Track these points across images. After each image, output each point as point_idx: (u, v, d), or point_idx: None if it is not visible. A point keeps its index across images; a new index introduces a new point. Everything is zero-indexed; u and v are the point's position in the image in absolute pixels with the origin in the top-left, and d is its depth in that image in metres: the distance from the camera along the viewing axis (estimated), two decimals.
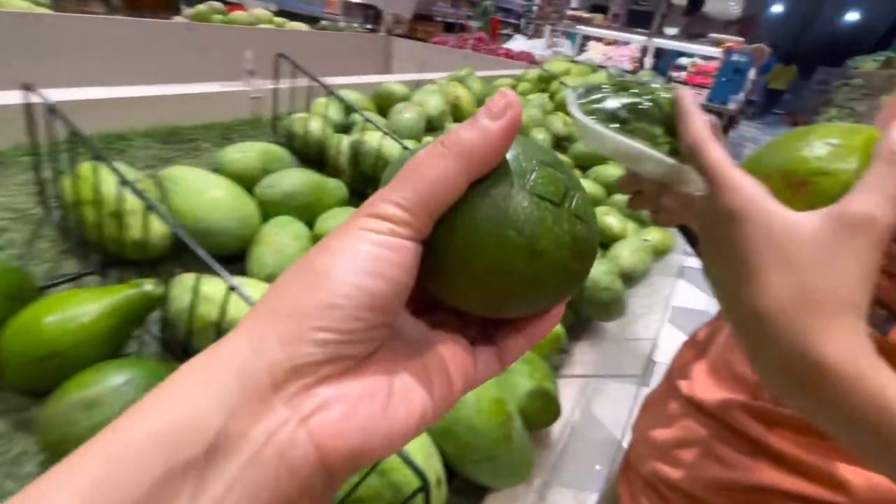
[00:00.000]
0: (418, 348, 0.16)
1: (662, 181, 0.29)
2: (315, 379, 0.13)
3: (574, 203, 0.16)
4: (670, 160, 0.27)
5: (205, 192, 0.52)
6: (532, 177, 0.15)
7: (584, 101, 0.29)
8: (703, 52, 4.26)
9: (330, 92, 0.69)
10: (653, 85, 0.29)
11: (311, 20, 2.83)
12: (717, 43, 4.15)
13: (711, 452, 0.37)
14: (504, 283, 0.15)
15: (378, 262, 0.13)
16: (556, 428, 0.55)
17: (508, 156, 0.16)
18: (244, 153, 0.61)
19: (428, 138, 0.85)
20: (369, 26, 3.56)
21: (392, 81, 0.91)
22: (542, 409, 0.50)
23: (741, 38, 4.50)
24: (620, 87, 0.30)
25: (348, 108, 0.78)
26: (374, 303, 0.13)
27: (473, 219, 0.15)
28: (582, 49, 4.71)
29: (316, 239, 0.57)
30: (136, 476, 0.11)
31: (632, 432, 0.49)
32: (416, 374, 0.15)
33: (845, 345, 0.18)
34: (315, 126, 0.74)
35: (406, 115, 0.82)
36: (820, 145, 0.21)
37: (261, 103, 0.83)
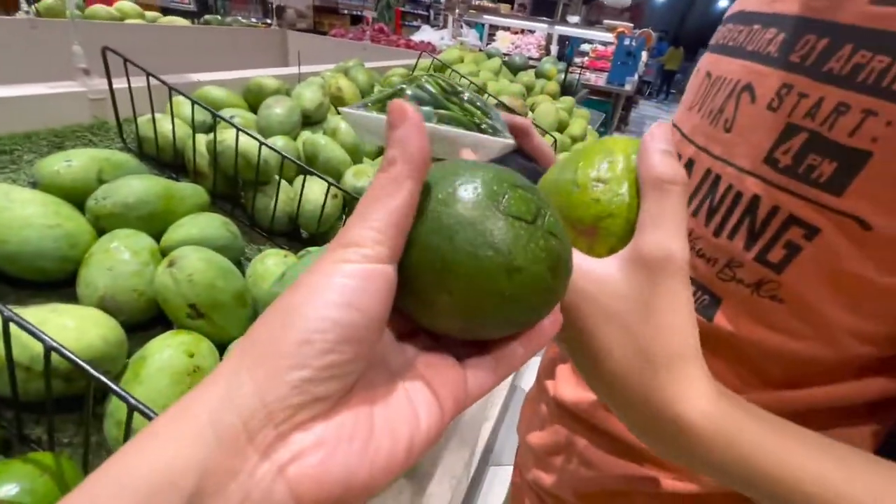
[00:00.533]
0: (401, 375, 0.16)
1: (457, 156, 0.29)
2: (290, 425, 0.12)
3: (546, 220, 0.17)
4: (456, 130, 0.27)
5: (8, 210, 0.45)
6: (505, 199, 0.16)
7: (364, 105, 0.30)
8: (601, 38, 4.54)
9: (172, 89, 0.63)
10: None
11: (197, 15, 2.61)
12: (610, 29, 4.44)
13: (579, 455, 0.37)
14: (483, 302, 0.15)
15: (351, 293, 0.13)
16: None
17: (482, 181, 0.16)
18: (69, 163, 0.54)
19: (306, 133, 0.80)
20: (268, 21, 3.36)
21: (263, 76, 0.86)
22: None
23: (631, 24, 4.86)
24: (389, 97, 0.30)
25: (206, 109, 0.72)
26: (349, 335, 0.13)
27: (451, 241, 0.15)
28: (491, 39, 4.81)
29: (164, 251, 0.52)
30: None
31: (517, 435, 0.49)
32: (398, 404, 0.15)
33: (696, 399, 0.18)
34: (168, 127, 0.67)
35: (276, 109, 0.77)
36: (591, 185, 0.21)
37: (105, 105, 0.73)
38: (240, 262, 0.60)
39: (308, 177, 0.68)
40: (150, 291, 0.47)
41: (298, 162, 0.63)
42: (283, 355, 0.12)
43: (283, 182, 0.68)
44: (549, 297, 0.17)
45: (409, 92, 0.29)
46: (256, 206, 0.67)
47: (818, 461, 0.19)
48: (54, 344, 0.30)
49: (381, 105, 0.29)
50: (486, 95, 1.27)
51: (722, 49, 0.29)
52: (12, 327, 0.31)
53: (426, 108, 0.28)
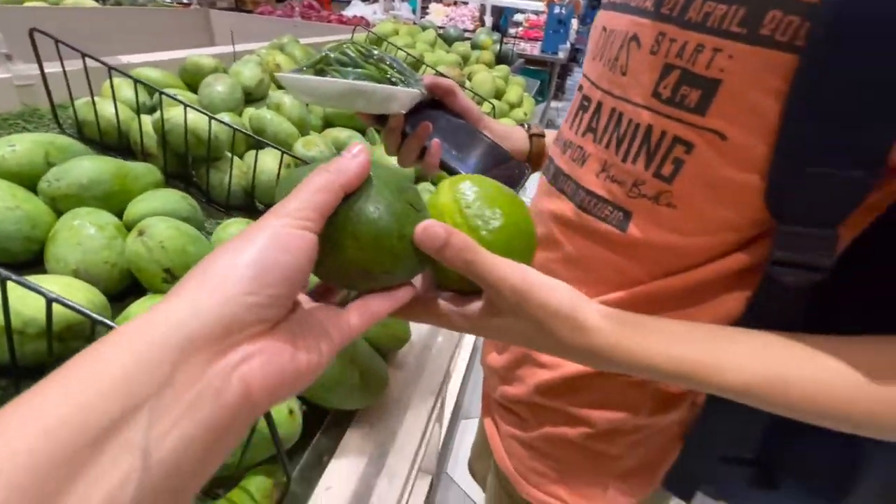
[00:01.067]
0: (312, 316, 0.22)
1: (380, 110, 0.35)
2: (242, 336, 0.17)
3: (426, 212, 0.25)
4: (373, 85, 0.33)
5: None
6: (407, 192, 0.25)
7: (297, 71, 0.35)
8: (534, 8, 4.60)
9: (112, 70, 0.63)
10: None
11: None
12: None
13: (534, 361, 0.43)
14: (380, 255, 0.23)
15: (288, 241, 0.19)
16: (410, 349, 0.62)
17: (388, 180, 0.24)
18: (13, 148, 0.54)
19: (250, 109, 0.82)
20: (185, 1, 3.14)
21: (199, 55, 0.85)
22: (391, 334, 0.56)
23: None
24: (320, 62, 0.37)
25: (151, 89, 0.72)
26: (286, 275, 0.19)
27: (363, 214, 0.22)
28: (424, 12, 4.75)
29: (129, 225, 0.54)
30: (103, 407, 0.14)
31: (482, 366, 0.55)
32: (309, 334, 0.21)
33: (597, 330, 0.27)
34: (109, 110, 0.67)
35: (218, 87, 0.78)
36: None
37: (35, 91, 0.71)
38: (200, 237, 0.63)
39: (260, 150, 0.71)
40: (123, 262, 0.50)
41: (250, 133, 0.66)
42: (238, 284, 0.17)
43: (235, 157, 0.70)
44: (424, 259, 0.25)
45: (332, 55, 0.34)
46: (211, 181, 0.69)
47: (684, 343, 0.28)
48: (54, 295, 0.33)
49: (313, 69, 0.34)
50: (423, 67, 1.31)
51: (613, 6, 0.34)
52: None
53: (347, 69, 0.34)
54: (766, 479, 0.36)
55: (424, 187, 0.91)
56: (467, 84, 1.36)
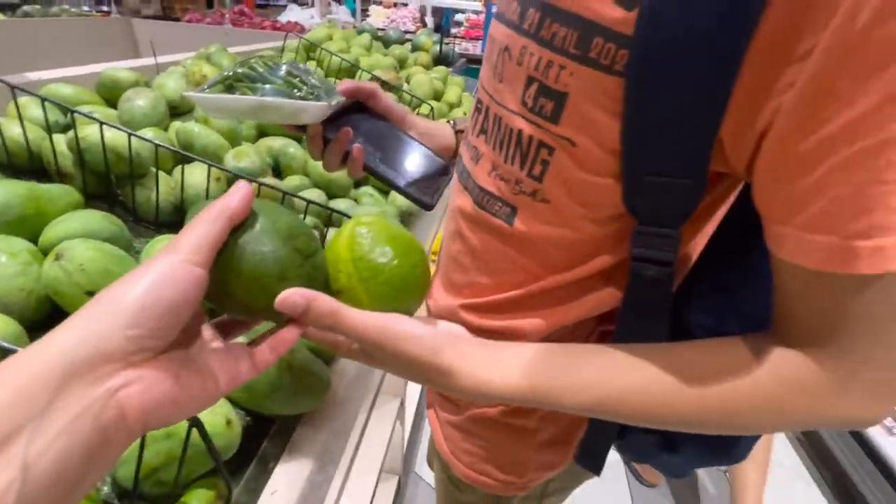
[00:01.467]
0: (203, 350, 0.25)
1: (292, 121, 0.37)
2: (123, 364, 0.19)
3: (316, 260, 0.28)
4: (279, 100, 0.35)
5: None
6: (298, 239, 0.27)
7: (206, 88, 0.36)
8: (473, 7, 4.68)
9: (16, 89, 0.60)
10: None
11: (10, 7, 2.22)
12: None
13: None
14: (262, 294, 0.26)
15: (175, 277, 0.21)
16: None
17: (285, 224, 0.27)
18: None
19: (176, 123, 0.80)
20: (105, 9, 2.97)
21: (116, 68, 0.82)
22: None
23: None
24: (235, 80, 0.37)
25: (63, 107, 0.68)
26: (169, 309, 0.21)
27: (246, 255, 0.25)
28: (364, 14, 4.72)
29: (45, 250, 0.52)
30: None
31: None
32: (195, 367, 0.23)
33: (456, 373, 0.30)
34: (16, 130, 0.64)
35: (139, 102, 0.75)
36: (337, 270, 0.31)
37: None
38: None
39: (188, 164, 0.69)
40: (40, 288, 0.48)
41: (174, 148, 0.64)
42: (121, 317, 0.20)
43: (162, 172, 0.68)
44: None
45: (240, 70, 0.35)
46: (137, 199, 0.67)
47: (530, 374, 0.31)
48: None
49: (223, 85, 0.35)
50: (359, 72, 1.31)
51: (497, 16, 0.37)
52: None
53: (256, 84, 0.35)
54: (669, 444, 0.40)
55: (365, 191, 0.92)
56: (405, 87, 1.38)
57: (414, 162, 0.47)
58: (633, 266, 0.31)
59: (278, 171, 0.91)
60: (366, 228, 0.30)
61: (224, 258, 0.25)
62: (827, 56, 0.20)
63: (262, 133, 0.94)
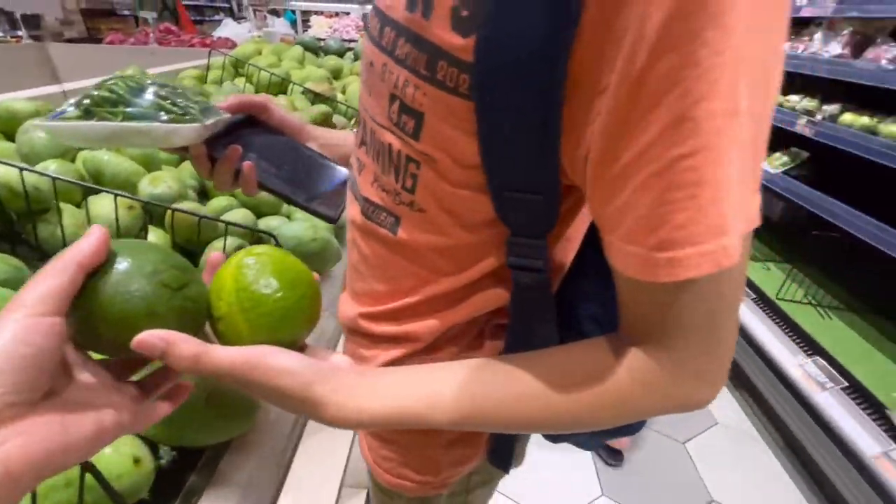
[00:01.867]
0: (87, 392, 0.25)
1: (164, 145, 0.36)
2: None
3: (190, 291, 0.28)
4: (141, 125, 0.34)
5: None
6: (163, 274, 0.27)
7: (59, 116, 0.34)
8: None
9: None
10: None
11: None
12: None
13: (360, 356, 0.43)
14: (131, 335, 0.25)
15: (26, 332, 0.21)
16: None
17: (143, 261, 0.27)
18: None
19: (84, 152, 0.76)
20: (19, 33, 2.79)
21: (12, 99, 0.77)
22: None
23: None
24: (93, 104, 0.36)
25: None
26: (31, 363, 0.21)
27: (107, 295, 0.25)
28: (306, 25, 4.64)
29: None
30: None
31: None
32: (80, 409, 0.23)
33: (329, 406, 0.29)
34: None
35: (40, 133, 0.71)
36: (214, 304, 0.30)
37: None
38: None
39: (95, 195, 0.66)
40: None
41: (72, 180, 0.61)
42: None
43: (67, 205, 0.65)
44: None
45: (95, 93, 0.34)
46: (41, 236, 0.63)
47: (398, 399, 0.30)
48: None
49: (80, 110, 0.33)
50: (290, 85, 1.29)
51: (365, 30, 0.37)
52: None
53: (118, 108, 0.34)
54: None
55: (289, 210, 0.90)
56: (340, 97, 1.37)
57: (313, 175, 0.46)
58: (512, 273, 0.33)
59: (205, 192, 0.88)
60: (254, 259, 0.30)
61: (86, 303, 0.25)
62: (618, 90, 0.22)
63: (183, 158, 0.91)
